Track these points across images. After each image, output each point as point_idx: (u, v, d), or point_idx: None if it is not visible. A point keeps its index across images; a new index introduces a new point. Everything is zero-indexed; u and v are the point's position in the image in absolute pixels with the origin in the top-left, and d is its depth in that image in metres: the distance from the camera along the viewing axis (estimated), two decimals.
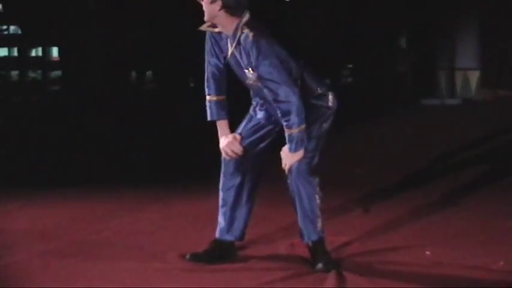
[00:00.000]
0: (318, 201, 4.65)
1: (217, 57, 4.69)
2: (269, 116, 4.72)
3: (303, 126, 4.51)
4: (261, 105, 4.75)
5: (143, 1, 11.93)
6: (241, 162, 4.74)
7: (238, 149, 4.69)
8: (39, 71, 14.02)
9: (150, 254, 4.94)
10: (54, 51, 14.12)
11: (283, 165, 4.59)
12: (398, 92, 11.96)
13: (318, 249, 4.65)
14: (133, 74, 13.65)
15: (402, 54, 12.39)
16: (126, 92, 12.56)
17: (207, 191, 5.76)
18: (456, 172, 7.17)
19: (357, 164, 7.57)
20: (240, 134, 4.73)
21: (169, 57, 12.23)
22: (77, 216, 6.02)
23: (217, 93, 4.73)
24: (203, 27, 4.67)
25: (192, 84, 12.63)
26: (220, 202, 4.82)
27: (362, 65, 13.08)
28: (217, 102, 4.74)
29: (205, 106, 4.77)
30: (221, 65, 4.71)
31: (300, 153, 4.53)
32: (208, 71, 4.74)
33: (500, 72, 11.26)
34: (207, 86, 4.75)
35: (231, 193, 4.78)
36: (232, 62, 4.64)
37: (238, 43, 4.53)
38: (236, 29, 4.54)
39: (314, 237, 4.65)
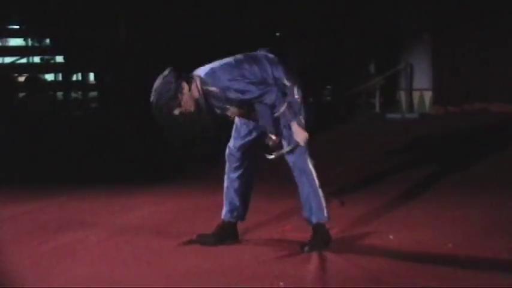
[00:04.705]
0: (317, 182, 4.59)
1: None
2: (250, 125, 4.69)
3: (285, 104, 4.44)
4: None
5: (163, 38, 11.90)
6: (240, 161, 4.71)
7: None
8: (80, 92, 14.03)
9: (170, 236, 4.95)
10: (91, 76, 14.13)
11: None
12: (368, 108, 11.97)
13: (319, 231, 4.57)
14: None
15: (371, 78, 12.37)
16: (149, 108, 12.54)
17: (214, 187, 5.75)
18: (415, 171, 7.16)
19: (335, 164, 7.56)
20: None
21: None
22: (109, 208, 6.03)
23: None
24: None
25: None
26: (225, 191, 4.80)
27: (339, 87, 13.10)
28: None
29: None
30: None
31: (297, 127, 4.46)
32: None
33: (449, 92, 11.27)
34: None
35: (234, 184, 4.75)
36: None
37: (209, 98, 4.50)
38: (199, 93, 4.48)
39: (314, 220, 4.57)
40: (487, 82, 10.79)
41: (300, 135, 4.49)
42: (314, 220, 4.57)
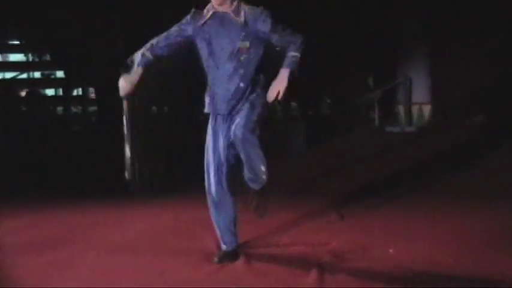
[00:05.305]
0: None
1: (187, 31, 4.54)
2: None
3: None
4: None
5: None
6: (226, 192, 4.63)
7: (126, 88, 4.63)
8: (80, 107, 14.07)
9: (168, 250, 4.94)
10: (92, 91, 14.16)
11: (275, 94, 4.40)
12: (367, 121, 11.99)
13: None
14: (154, 108, 13.65)
15: (370, 91, 12.39)
16: (148, 122, 12.56)
17: None
18: (414, 184, 7.17)
19: (334, 177, 7.57)
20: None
21: (182, 96, 12.25)
22: (108, 220, 6.03)
23: (157, 57, 4.60)
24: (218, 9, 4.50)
25: (201, 117, 12.60)
26: (217, 227, 4.74)
27: (338, 100, 13.12)
28: (150, 60, 4.60)
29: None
30: (183, 38, 4.54)
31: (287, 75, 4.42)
32: (172, 35, 4.57)
33: (448, 105, 11.30)
34: (156, 46, 4.58)
35: (223, 221, 4.68)
36: (221, 38, 4.47)
37: (240, 15, 4.43)
38: (237, 6, 4.45)
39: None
40: (485, 95, 10.82)
41: (283, 82, 4.40)
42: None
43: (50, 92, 14.58)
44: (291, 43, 4.45)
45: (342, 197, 6.68)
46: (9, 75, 14.51)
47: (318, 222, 5.65)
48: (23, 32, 12.95)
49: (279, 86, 4.39)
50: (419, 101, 11.61)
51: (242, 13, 4.45)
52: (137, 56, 4.61)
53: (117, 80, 4.74)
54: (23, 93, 13.30)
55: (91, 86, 13.88)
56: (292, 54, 4.44)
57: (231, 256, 4.68)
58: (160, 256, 4.79)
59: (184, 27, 4.56)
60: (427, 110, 11.54)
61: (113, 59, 12.13)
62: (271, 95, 4.39)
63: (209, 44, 4.50)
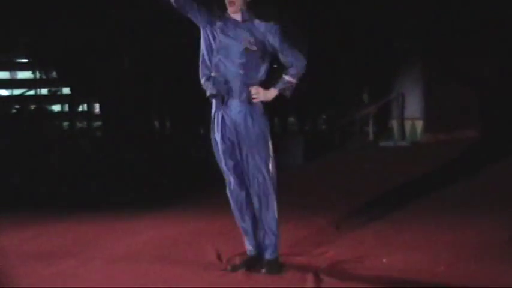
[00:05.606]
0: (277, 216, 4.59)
1: (204, 15, 4.58)
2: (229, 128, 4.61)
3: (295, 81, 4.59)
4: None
5: (166, 65, 11.95)
6: (244, 195, 4.67)
7: None
8: (85, 122, 14.11)
9: (170, 262, 4.96)
10: (97, 107, 14.22)
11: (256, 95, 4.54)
12: (362, 136, 12.03)
13: (275, 266, 4.62)
14: (156, 123, 13.71)
15: (365, 107, 12.45)
16: (151, 136, 12.61)
17: (214, 212, 5.79)
18: (406, 196, 7.19)
19: (330, 190, 7.61)
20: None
21: (183, 110, 12.32)
22: (111, 232, 6.03)
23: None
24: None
25: (202, 131, 12.66)
26: (243, 231, 4.76)
27: (333, 116, 13.17)
28: None
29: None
30: (200, 13, 4.57)
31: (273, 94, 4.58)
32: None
33: (439, 121, 11.35)
34: None
35: (249, 223, 4.71)
36: (230, 38, 4.55)
37: (252, 24, 4.54)
38: (250, 17, 4.56)
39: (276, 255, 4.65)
40: (476, 110, 10.91)
41: (267, 96, 4.56)
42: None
43: (56, 107, 14.64)
44: (293, 64, 4.57)
45: (338, 209, 6.72)
46: (17, 91, 14.60)
47: (315, 233, 5.70)
48: (31, 50, 13.02)
49: (261, 96, 4.54)
50: (412, 117, 11.67)
51: (254, 23, 4.56)
52: None
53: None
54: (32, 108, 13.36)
55: (96, 102, 13.95)
56: (288, 79, 4.58)
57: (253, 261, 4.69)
58: (162, 266, 4.81)
59: (205, 10, 4.60)
60: (419, 125, 11.59)
61: (117, 76, 12.21)
62: (253, 92, 4.52)
63: (217, 40, 4.57)
